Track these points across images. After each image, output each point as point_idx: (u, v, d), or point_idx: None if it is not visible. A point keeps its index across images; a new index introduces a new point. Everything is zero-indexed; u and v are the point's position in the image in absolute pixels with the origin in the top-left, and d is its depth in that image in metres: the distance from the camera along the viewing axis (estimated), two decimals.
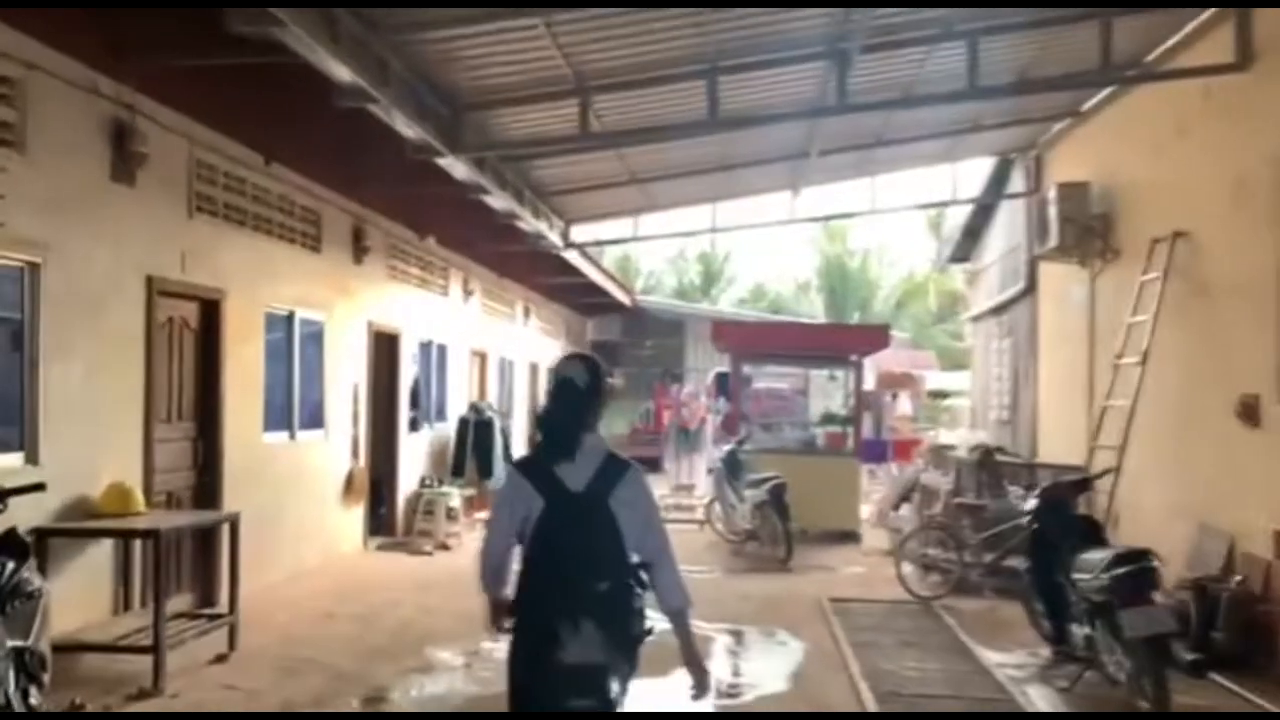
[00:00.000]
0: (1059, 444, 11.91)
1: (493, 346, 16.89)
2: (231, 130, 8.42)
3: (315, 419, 10.32)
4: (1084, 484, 7.16)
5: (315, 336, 10.32)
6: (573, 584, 3.36)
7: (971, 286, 17.03)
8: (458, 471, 13.90)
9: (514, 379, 18.44)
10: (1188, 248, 8.82)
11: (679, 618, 3.57)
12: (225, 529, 7.39)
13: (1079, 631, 6.54)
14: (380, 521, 12.43)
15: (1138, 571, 5.81)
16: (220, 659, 6.81)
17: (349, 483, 11.02)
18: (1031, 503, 7.13)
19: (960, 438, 15.26)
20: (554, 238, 12.64)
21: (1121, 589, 5.81)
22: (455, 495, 12.83)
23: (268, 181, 9.22)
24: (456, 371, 14.93)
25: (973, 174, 14.36)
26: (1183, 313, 8.76)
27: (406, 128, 7.75)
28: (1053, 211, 10.74)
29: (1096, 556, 6.20)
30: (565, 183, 11.39)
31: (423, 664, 7.03)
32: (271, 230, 9.33)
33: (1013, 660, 7.39)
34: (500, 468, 14.21)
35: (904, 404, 19.81)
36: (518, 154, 9.89)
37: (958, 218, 17.13)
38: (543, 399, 18.05)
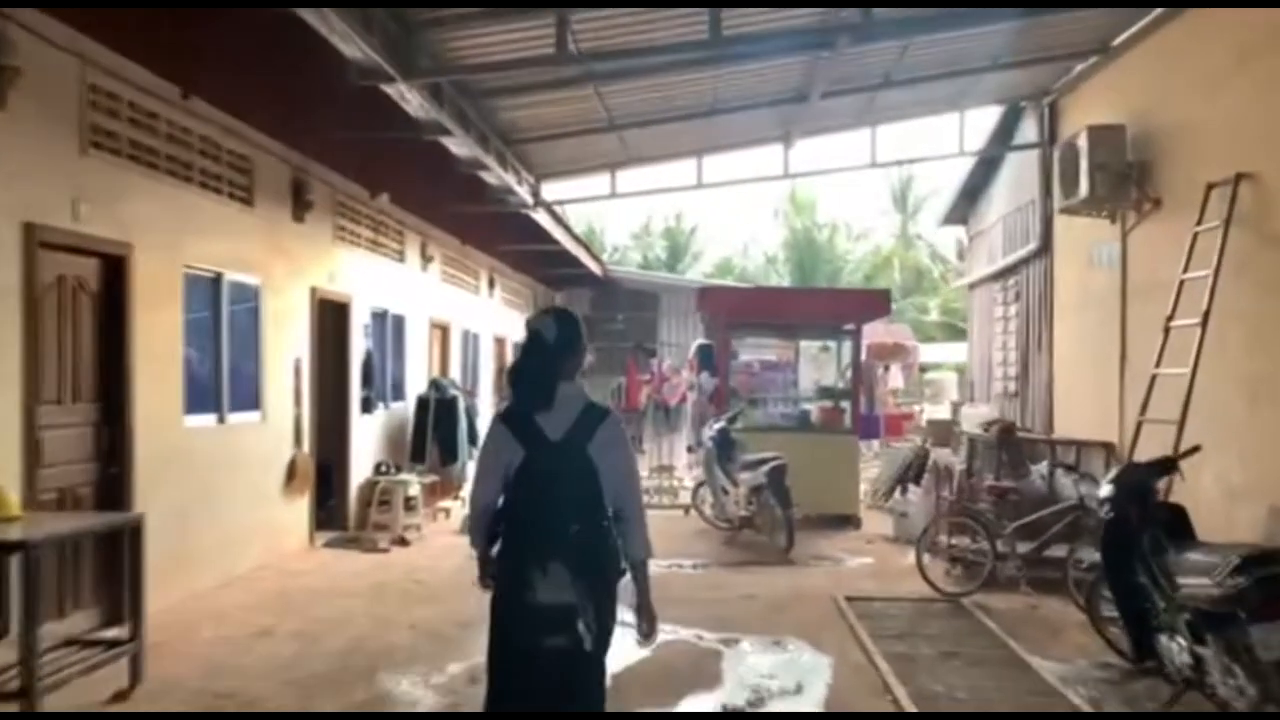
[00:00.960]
0: (1082, 418, 10.81)
1: (455, 318, 15.54)
2: (138, 54, 7.01)
3: (250, 399, 8.95)
4: (1167, 465, 6.01)
5: (249, 303, 8.94)
6: (545, 528, 3.47)
7: (969, 250, 15.91)
8: (417, 456, 12.57)
9: (479, 354, 17.09)
10: (1253, 192, 7.69)
11: (641, 568, 3.73)
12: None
13: (1176, 647, 5.39)
14: (329, 514, 11.09)
15: (1271, 578, 4.65)
16: (119, 697, 5.49)
17: (291, 471, 9.67)
18: (1107, 488, 5.96)
19: (961, 413, 14.17)
20: (523, 194, 11.31)
21: (1251, 599, 4.65)
22: (414, 483, 11.51)
23: (187, 119, 7.82)
24: (415, 345, 13.58)
25: (975, 129, 13.18)
26: (1249, 267, 7.63)
27: (348, 44, 6.40)
28: (1083, 159, 9.56)
29: (1209, 558, 5.04)
30: (536, 127, 10.05)
31: (375, 696, 5.75)
32: (192, 177, 7.93)
33: (1078, 673, 6.24)
34: (465, 451, 12.91)
35: (895, 377, 18.72)
36: (482, 83, 8.53)
37: (938, 182, 15.96)
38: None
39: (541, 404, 3.50)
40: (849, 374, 13.05)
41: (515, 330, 19.89)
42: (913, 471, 14.34)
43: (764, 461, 10.37)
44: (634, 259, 46.98)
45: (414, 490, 11.46)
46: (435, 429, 12.60)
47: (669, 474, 15.09)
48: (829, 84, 9.87)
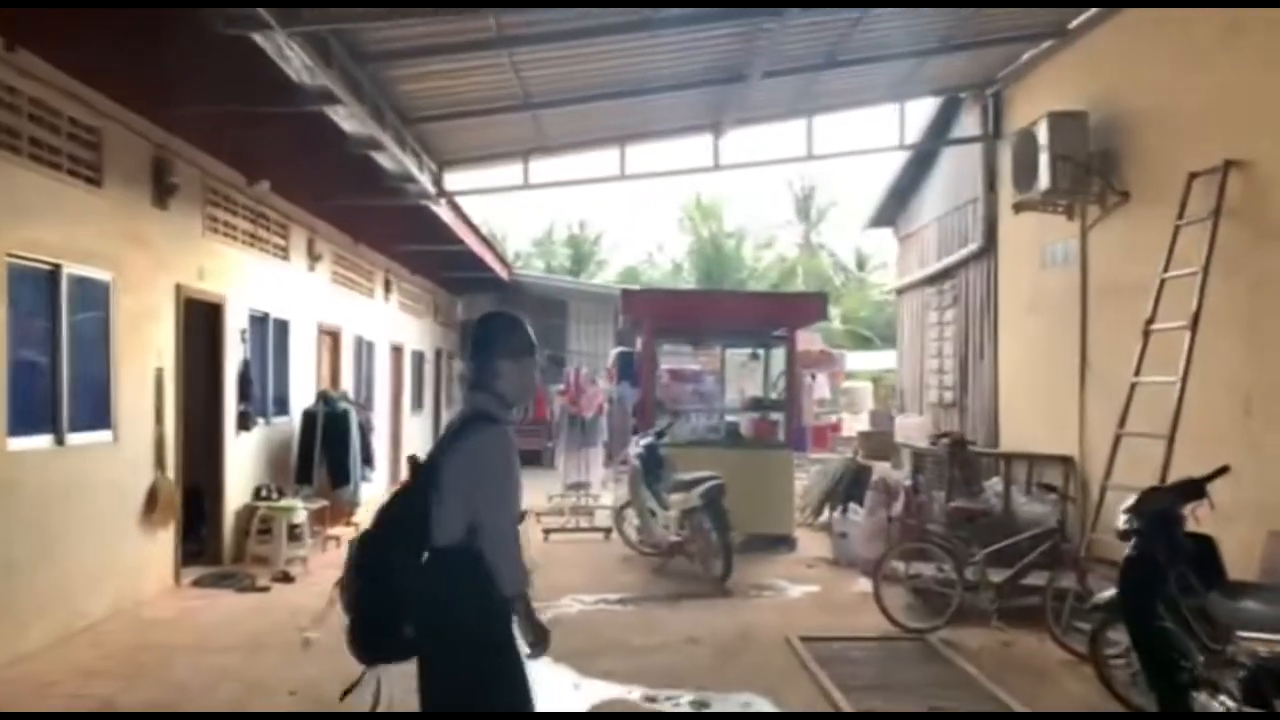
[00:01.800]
0: (1033, 429, 10.06)
1: (347, 324, 14.13)
2: None
3: (98, 416, 7.52)
4: (1193, 490, 5.14)
5: (96, 301, 7.51)
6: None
7: (899, 254, 15.18)
8: (303, 478, 11.18)
9: (374, 363, 15.68)
10: (1244, 181, 6.97)
11: (518, 602, 3.29)
12: None
13: (1219, 706, 4.51)
14: (201, 546, 9.66)
15: None
16: None
17: (152, 499, 8.24)
18: (1125, 519, 5.06)
19: (896, 425, 13.38)
20: (424, 182, 10.05)
21: None
22: (300, 509, 10.13)
23: (13, 76, 6.41)
24: (301, 353, 12.16)
25: (908, 127, 12.36)
26: (1243, 263, 6.90)
27: None
28: (1041, 149, 8.80)
29: (1272, 608, 4.16)
30: (439, 104, 8.82)
31: None
32: (19, 147, 6.51)
33: None
34: (359, 471, 11.56)
35: (822, 386, 17.95)
36: (378, 44, 7.26)
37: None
38: (408, 388, 15.17)
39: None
40: (782, 383, 12.12)
41: (414, 339, 18.50)
42: (843, 486, 13.54)
43: (698, 481, 9.33)
44: (537, 266, 45.81)
45: (299, 517, 10.09)
46: (324, 447, 11.23)
47: (584, 492, 13.96)
48: (770, 62, 8.90)
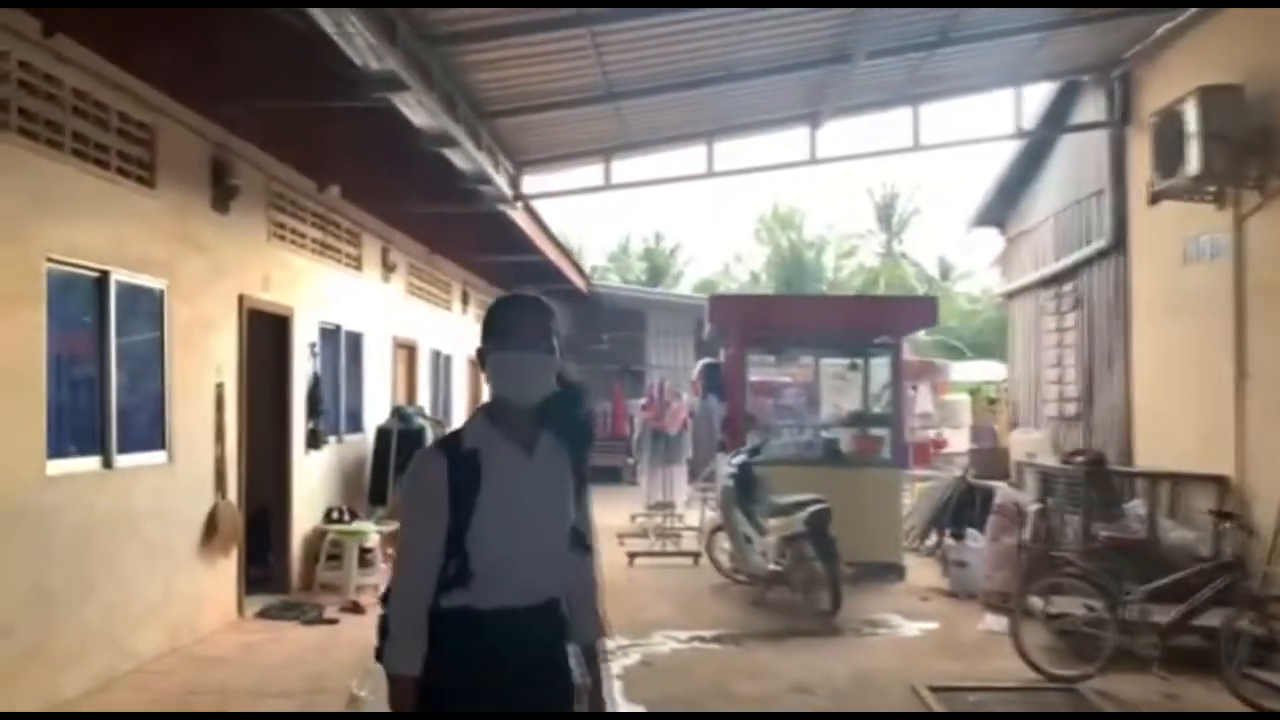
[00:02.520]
0: (1176, 445, 8.95)
1: (423, 337, 13.57)
2: None
3: (151, 435, 6.94)
4: None
5: (149, 311, 6.95)
6: None
7: (1006, 256, 14.09)
8: (377, 499, 10.58)
9: (451, 378, 15.11)
10: None
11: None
12: None
13: None
14: (267, 574, 9.08)
15: None
16: None
17: (211, 525, 7.65)
18: None
19: (1011, 440, 12.31)
20: (500, 183, 9.38)
21: None
22: (372, 532, 9.51)
23: (52, 64, 5.87)
24: (375, 368, 11.59)
25: (1019, 114, 11.30)
26: None
27: None
28: (1191, 129, 7.77)
29: None
30: (515, 94, 8.11)
31: None
32: (61, 142, 5.96)
33: None
34: None
35: (924, 398, 16.87)
36: (448, 25, 6.58)
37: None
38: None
39: None
40: (886, 396, 11.16)
41: None
42: (952, 508, 12.51)
43: (801, 505, 8.45)
44: (613, 281, 45.35)
45: (371, 541, 9.47)
46: (400, 467, 10.59)
47: (669, 512, 13.13)
48: (877, 40, 8.03)
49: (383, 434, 10.71)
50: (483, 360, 2.62)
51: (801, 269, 46.86)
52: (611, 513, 15.63)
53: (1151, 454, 9.51)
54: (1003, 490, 9.41)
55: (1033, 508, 8.88)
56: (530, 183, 10.44)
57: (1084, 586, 6.71)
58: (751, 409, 11.21)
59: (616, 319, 22.64)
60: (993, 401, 24.25)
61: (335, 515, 9.86)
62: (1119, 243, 10.15)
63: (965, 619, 8.44)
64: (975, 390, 23.51)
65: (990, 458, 12.39)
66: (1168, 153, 8.19)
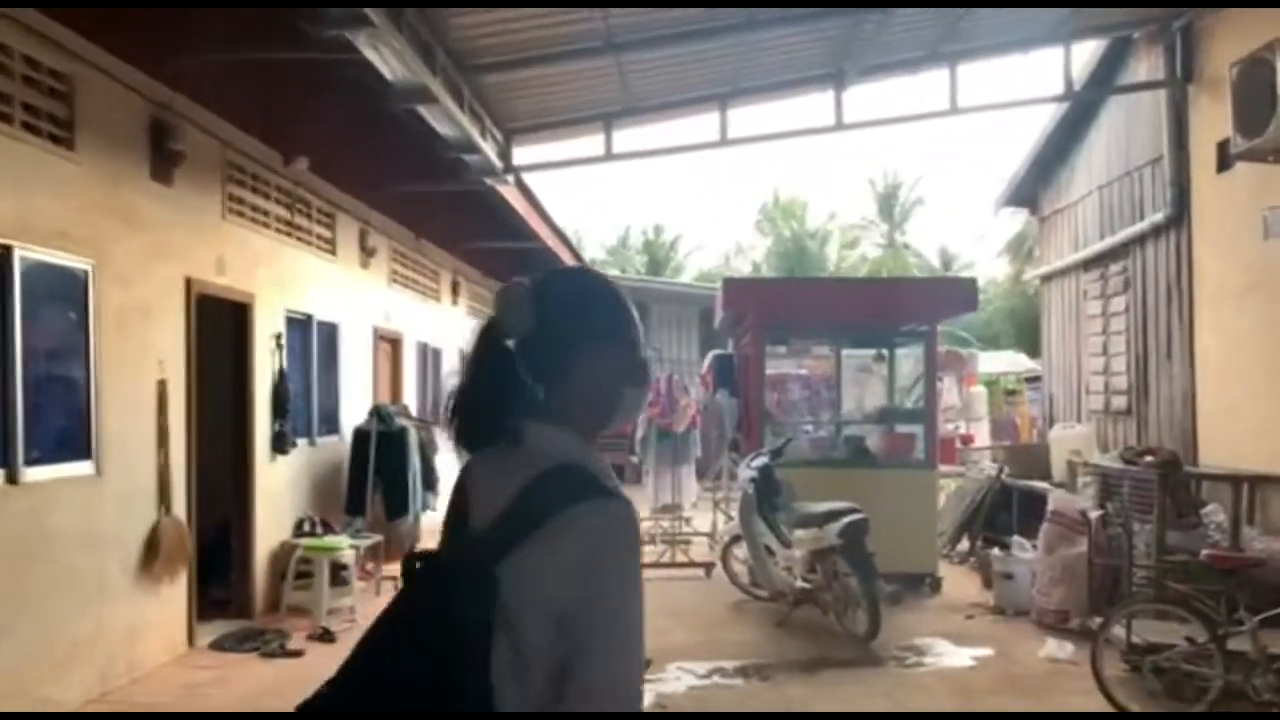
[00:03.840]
0: (1256, 445, 7.89)
1: (409, 329, 12.49)
2: None
3: (71, 442, 5.87)
4: None
5: (68, 296, 5.88)
6: None
7: (1041, 236, 13.01)
8: (355, 509, 9.52)
9: (441, 373, 14.04)
10: None
11: None
12: None
13: None
14: (228, 597, 8.04)
15: None
16: None
17: (153, 546, 6.58)
18: None
19: (1050, 437, 11.25)
20: (488, 152, 8.32)
21: None
22: (346, 547, 8.44)
23: None
24: (354, 362, 10.53)
25: (1057, 81, 10.20)
26: None
27: None
28: None
29: None
30: (503, 44, 7.03)
31: None
32: None
33: None
34: (419, 498, 9.86)
35: (949, 391, 15.81)
36: None
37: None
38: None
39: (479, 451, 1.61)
40: (919, 389, 10.10)
41: None
42: (985, 511, 11.47)
43: (834, 515, 7.38)
44: (612, 275, 44.24)
45: (346, 557, 8.40)
46: (379, 472, 9.56)
47: (677, 516, 12.07)
48: None
49: (360, 436, 9.64)
50: (548, 365, 1.66)
51: (804, 260, 45.78)
52: None
53: (1220, 453, 8.46)
54: (1057, 495, 8.34)
55: (1094, 515, 7.82)
56: (522, 155, 9.36)
57: (1180, 612, 5.65)
58: (770, 405, 10.14)
59: None
60: (1011, 393, 23.24)
61: (306, 528, 8.82)
62: (1180, 216, 9.08)
63: (1022, 643, 7.39)
64: (993, 382, 22.45)
65: (1026, 455, 11.32)
66: (1252, 108, 7.12)
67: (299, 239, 9.17)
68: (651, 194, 77.36)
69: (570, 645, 1.45)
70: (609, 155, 9.07)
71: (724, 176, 75.08)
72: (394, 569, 8.47)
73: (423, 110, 7.09)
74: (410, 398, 12.36)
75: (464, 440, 1.66)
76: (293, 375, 8.85)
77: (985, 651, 7.21)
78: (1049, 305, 12.62)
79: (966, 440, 15.26)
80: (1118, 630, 6.20)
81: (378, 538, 9.26)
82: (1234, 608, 5.43)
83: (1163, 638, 5.93)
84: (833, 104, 8.97)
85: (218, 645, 7.24)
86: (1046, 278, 12.61)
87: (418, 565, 1.58)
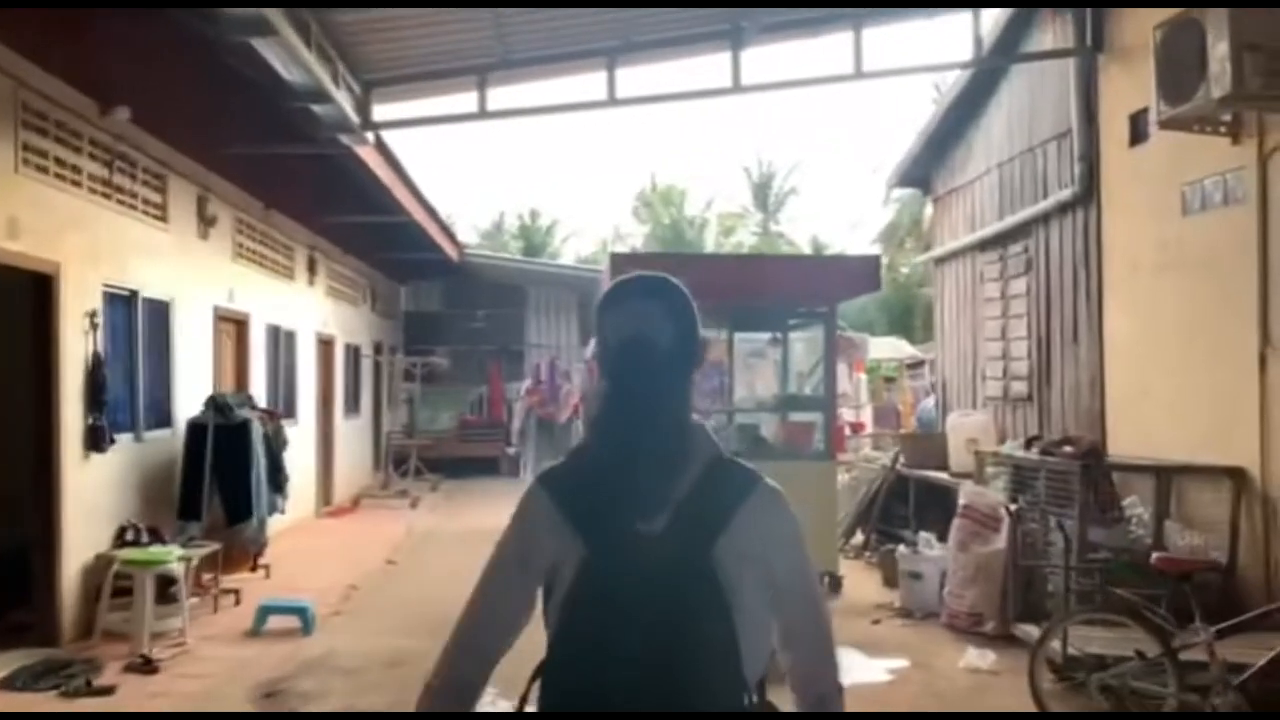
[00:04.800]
0: (1173, 433, 7.47)
1: (258, 310, 11.23)
2: None
3: None
4: None
5: None
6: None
7: (935, 217, 12.59)
8: (189, 513, 8.32)
9: (296, 359, 12.80)
10: None
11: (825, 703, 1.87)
12: None
13: None
14: (31, 619, 6.79)
15: None
16: None
17: None
18: None
19: (949, 424, 10.80)
20: (342, 102, 7.25)
21: None
22: (173, 558, 7.26)
23: None
24: (190, 346, 9.28)
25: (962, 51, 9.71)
26: None
27: None
28: (1217, 40, 6.23)
29: None
30: None
31: None
32: None
33: None
34: (265, 500, 8.71)
35: (841, 379, 15.29)
36: None
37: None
38: (341, 388, 12.35)
39: (647, 466, 1.74)
40: (817, 375, 9.44)
41: (348, 330, 15.60)
42: (880, 503, 10.99)
43: None
44: (488, 258, 42.92)
45: (174, 567, 7.22)
46: (216, 471, 8.37)
47: None
48: None
49: (195, 430, 8.43)
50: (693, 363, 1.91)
51: (682, 247, 45.14)
52: (488, 513, 13.60)
53: (1130, 440, 8.04)
54: (969, 488, 7.79)
55: (1006, 509, 7.28)
56: (384, 112, 8.31)
57: (1130, 624, 5.06)
58: None
59: (493, 294, 20.52)
60: (890, 380, 23.13)
61: (130, 537, 7.60)
62: (1088, 193, 8.65)
63: (938, 651, 6.79)
64: (874, 369, 22.26)
65: (922, 444, 10.85)
66: (1178, 73, 6.62)
67: (121, 202, 7.92)
68: (527, 178, 76.00)
69: (790, 593, 1.84)
70: (483, 113, 8.11)
71: (601, 162, 74.27)
72: (237, 580, 7.35)
73: (261, 48, 6.03)
74: (259, 386, 11.12)
75: (621, 454, 1.77)
76: (113, 360, 7.63)
77: (900, 663, 6.57)
78: (942, 289, 12.20)
79: (858, 428, 14.82)
80: (1035, 634, 5.64)
81: (215, 546, 8.09)
82: (1188, 617, 4.86)
83: (1102, 648, 5.36)
84: (730, 66, 8.19)
85: (8, 683, 6.02)
86: (940, 260, 12.17)
87: (611, 547, 1.74)
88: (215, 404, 8.49)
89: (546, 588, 1.82)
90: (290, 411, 12.43)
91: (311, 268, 13.49)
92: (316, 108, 7.27)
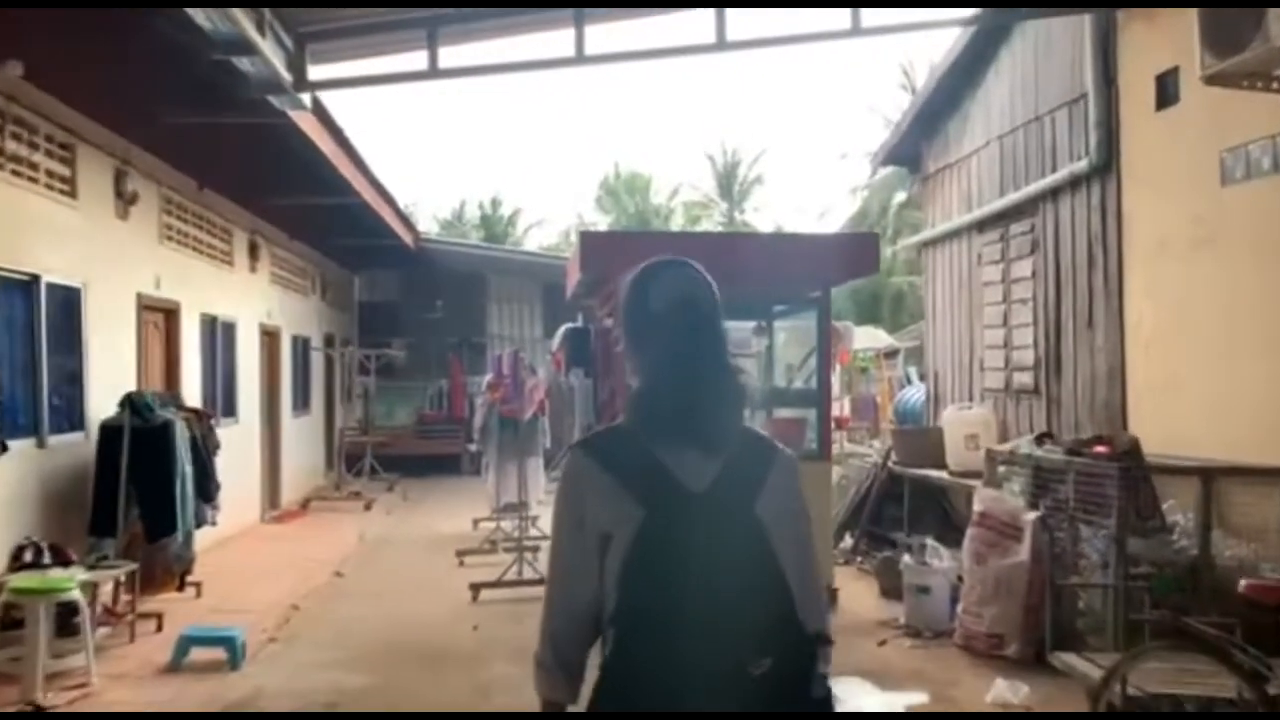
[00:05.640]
0: (1210, 427, 6.71)
1: (190, 297, 10.19)
2: None
3: None
4: None
5: None
6: (700, 662, 1.87)
7: (926, 195, 11.74)
8: (102, 528, 7.31)
9: (235, 352, 11.75)
10: None
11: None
12: None
13: None
14: None
15: None
16: None
17: None
18: None
19: (944, 419, 10.00)
20: (271, 56, 6.28)
21: None
22: (72, 584, 6.24)
23: None
24: (108, 338, 8.25)
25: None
26: None
27: None
28: None
29: None
30: None
31: None
32: None
33: None
34: (191, 511, 7.72)
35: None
36: None
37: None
38: (288, 384, 11.39)
39: (697, 435, 1.95)
40: (809, 367, 8.57)
41: (295, 321, 14.55)
42: (871, 503, 10.19)
43: None
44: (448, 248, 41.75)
45: (75, 594, 6.21)
46: (134, 479, 7.37)
47: (522, 515, 10.22)
48: None
49: (109, 433, 7.42)
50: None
51: None
52: (448, 516, 12.72)
53: (1157, 439, 7.17)
54: (986, 493, 6.95)
55: (1029, 518, 6.47)
56: (322, 73, 7.31)
57: (1209, 658, 4.25)
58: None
59: (452, 282, 19.52)
60: (864, 370, 22.40)
61: (29, 558, 6.59)
62: (1107, 163, 7.84)
63: (959, 681, 5.97)
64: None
65: (917, 440, 10.04)
66: (1228, 22, 5.83)
67: (16, 173, 6.88)
68: (488, 168, 74.78)
69: (799, 552, 2.03)
70: (434, 71, 7.11)
71: (563, 150, 73.14)
72: (161, 602, 6.37)
73: None
74: (192, 382, 10.10)
75: (690, 423, 1.95)
76: (7, 355, 6.60)
77: (918, 697, 5.74)
78: (933, 274, 11.37)
79: (842, 423, 14.00)
80: (1081, 666, 4.84)
81: (131, 565, 7.09)
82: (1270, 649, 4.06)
83: (1163, 685, 4.54)
84: (714, 21, 7.27)
85: None
86: (930, 243, 11.36)
87: (667, 505, 1.92)
88: (132, 403, 7.47)
89: (600, 551, 1.95)
90: (230, 409, 11.41)
91: (253, 253, 12.44)
92: (241, 62, 6.27)
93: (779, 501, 1.98)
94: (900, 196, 30.63)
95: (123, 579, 7.13)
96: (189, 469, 7.67)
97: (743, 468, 1.96)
